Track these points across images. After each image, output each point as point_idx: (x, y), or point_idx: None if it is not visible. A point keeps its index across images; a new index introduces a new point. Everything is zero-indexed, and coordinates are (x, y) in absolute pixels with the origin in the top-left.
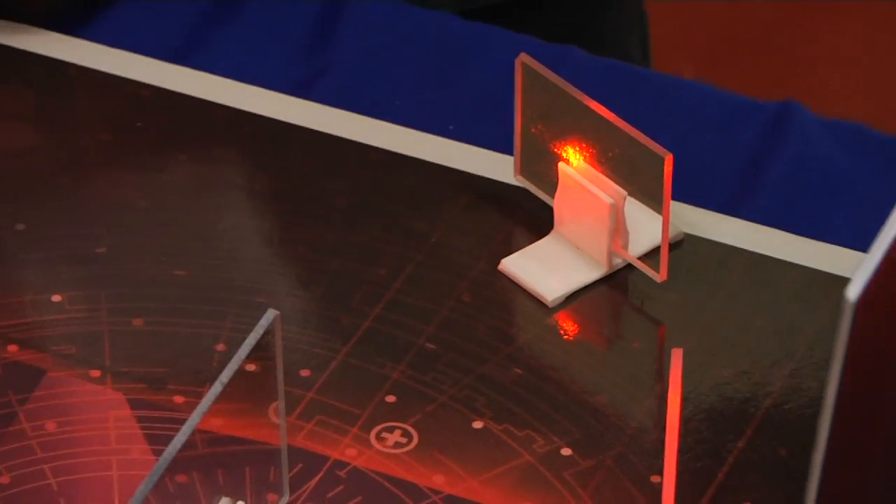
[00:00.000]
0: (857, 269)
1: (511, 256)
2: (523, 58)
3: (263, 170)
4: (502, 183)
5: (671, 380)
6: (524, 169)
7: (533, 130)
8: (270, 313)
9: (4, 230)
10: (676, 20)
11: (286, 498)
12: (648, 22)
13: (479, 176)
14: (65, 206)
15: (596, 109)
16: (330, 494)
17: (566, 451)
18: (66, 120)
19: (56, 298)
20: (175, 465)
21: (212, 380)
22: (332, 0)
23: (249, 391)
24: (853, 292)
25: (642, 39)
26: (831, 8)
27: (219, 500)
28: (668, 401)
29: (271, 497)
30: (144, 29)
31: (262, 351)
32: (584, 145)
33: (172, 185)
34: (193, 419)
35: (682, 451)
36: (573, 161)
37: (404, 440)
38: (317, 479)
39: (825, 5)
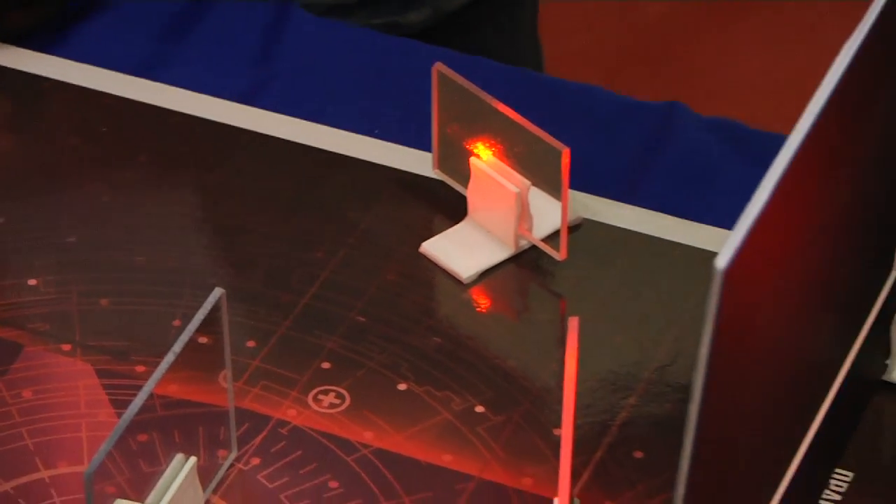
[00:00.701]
0: (724, 244)
1: (431, 240)
2: (439, 66)
3: (214, 168)
4: (422, 176)
5: (568, 345)
6: (441, 164)
7: (448, 130)
8: (217, 291)
9: None
10: (577, 39)
11: (234, 453)
12: (542, 53)
13: (402, 170)
14: (39, 202)
15: (502, 111)
16: (273, 450)
17: (479, 409)
18: (40, 127)
19: (32, 282)
20: (136, 426)
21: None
22: (274, 21)
23: (202, 360)
24: (721, 263)
25: (537, 66)
26: (715, 25)
27: (174, 456)
28: (566, 363)
29: (221, 453)
30: (109, 46)
31: (212, 325)
32: (492, 142)
33: (133, 183)
34: (149, 384)
35: (580, 407)
36: (483, 156)
37: (338, 401)
38: (261, 436)
39: (709, 24)
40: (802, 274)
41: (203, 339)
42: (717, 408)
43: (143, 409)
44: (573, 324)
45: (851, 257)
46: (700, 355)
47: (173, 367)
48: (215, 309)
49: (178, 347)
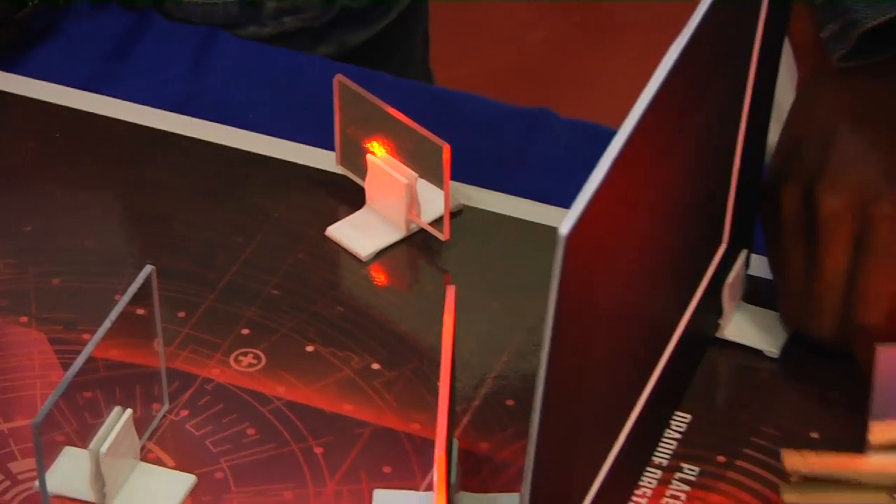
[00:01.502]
0: (567, 214)
1: (334, 225)
2: (339, 77)
3: (150, 167)
4: (327, 171)
5: (446, 308)
6: (343, 160)
7: (348, 131)
8: (147, 268)
9: None
10: (466, 66)
11: (166, 406)
12: (434, 79)
13: (310, 167)
14: (0, 198)
15: (393, 114)
16: (199, 403)
17: (376, 366)
18: (2, 135)
19: None
20: (83, 385)
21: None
22: (203, 43)
23: (139, 329)
24: (563, 230)
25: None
26: (587, 47)
27: (114, 409)
28: (443, 324)
29: (155, 406)
30: (61, 65)
31: (146, 299)
32: (385, 141)
33: (81, 180)
34: (88, 348)
35: (461, 364)
36: (378, 153)
37: (255, 361)
38: (190, 392)
39: (583, 46)
40: (640, 242)
41: (140, 311)
42: (564, 360)
43: (88, 370)
44: (450, 292)
45: (686, 230)
46: (548, 312)
47: (114, 333)
48: (146, 284)
49: (113, 316)
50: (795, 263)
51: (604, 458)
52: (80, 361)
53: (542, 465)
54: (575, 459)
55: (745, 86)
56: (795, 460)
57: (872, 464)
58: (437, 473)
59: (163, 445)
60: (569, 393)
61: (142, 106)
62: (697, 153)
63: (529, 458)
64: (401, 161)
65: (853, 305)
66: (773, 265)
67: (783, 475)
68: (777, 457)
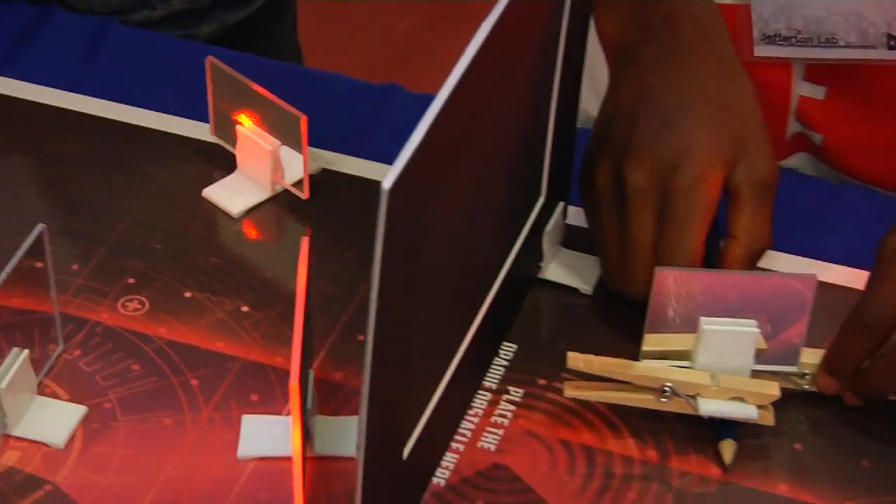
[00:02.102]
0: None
1: (210, 186)
2: (211, 59)
3: (50, 140)
4: (204, 140)
5: (300, 257)
6: (217, 130)
7: (220, 105)
8: (39, 227)
9: None
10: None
11: (61, 347)
12: (303, 58)
13: (188, 136)
14: None
15: (258, 90)
16: (90, 343)
17: (245, 308)
18: None
19: None
20: None
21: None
22: (99, 30)
23: (36, 280)
24: (386, 184)
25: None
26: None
27: (12, 350)
28: (298, 270)
29: (51, 347)
30: None
31: (42, 254)
32: (252, 113)
33: None
34: None
35: (319, 304)
36: (245, 124)
37: (140, 306)
38: (82, 334)
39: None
40: (462, 194)
41: (38, 265)
42: (392, 299)
43: None
44: (304, 243)
45: (506, 185)
46: (374, 256)
47: (13, 284)
48: (39, 241)
49: (8, 269)
50: (611, 232)
51: (437, 383)
52: None
53: (377, 391)
54: (408, 385)
55: (555, 59)
56: (577, 360)
57: (642, 368)
58: (292, 400)
59: (58, 381)
60: (398, 328)
61: (41, 86)
62: (513, 117)
63: (365, 384)
64: (265, 131)
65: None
66: (594, 234)
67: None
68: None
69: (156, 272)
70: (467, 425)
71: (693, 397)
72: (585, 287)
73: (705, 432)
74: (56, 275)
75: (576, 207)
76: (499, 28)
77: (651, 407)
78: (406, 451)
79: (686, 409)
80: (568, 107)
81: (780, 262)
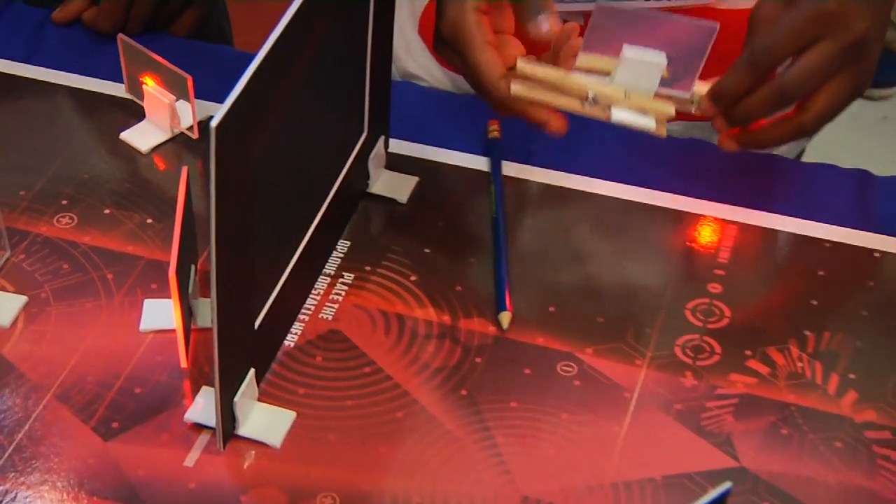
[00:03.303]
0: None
1: (126, 131)
2: (121, 37)
3: (5, 100)
4: (121, 97)
5: (181, 182)
6: (130, 89)
7: (130, 70)
8: None
9: None
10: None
11: (9, 252)
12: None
13: (110, 94)
14: None
15: (156, 58)
16: (32, 250)
17: (149, 220)
18: None
19: None
20: None
21: None
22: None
23: None
24: (213, 122)
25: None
26: None
27: None
28: (178, 192)
29: (1, 253)
30: None
31: None
32: (154, 76)
33: None
34: None
35: (203, 216)
36: (150, 84)
37: (70, 221)
38: (25, 243)
39: None
40: (289, 130)
41: None
42: (229, 210)
43: None
44: (184, 170)
45: (331, 122)
46: (209, 178)
47: None
48: None
49: None
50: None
51: (281, 271)
52: None
53: (223, 276)
54: (253, 272)
55: (367, 23)
56: (524, 67)
57: (574, 79)
58: (171, 286)
59: (7, 278)
60: (237, 231)
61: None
62: (332, 69)
63: (213, 272)
64: (164, 89)
65: None
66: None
67: (405, 276)
68: (404, 267)
69: (83, 195)
70: (311, 302)
71: (608, 107)
72: (402, 198)
73: (488, 305)
74: (7, 199)
75: (395, 140)
76: None
77: (576, 110)
78: (257, 323)
79: (601, 116)
80: (382, 62)
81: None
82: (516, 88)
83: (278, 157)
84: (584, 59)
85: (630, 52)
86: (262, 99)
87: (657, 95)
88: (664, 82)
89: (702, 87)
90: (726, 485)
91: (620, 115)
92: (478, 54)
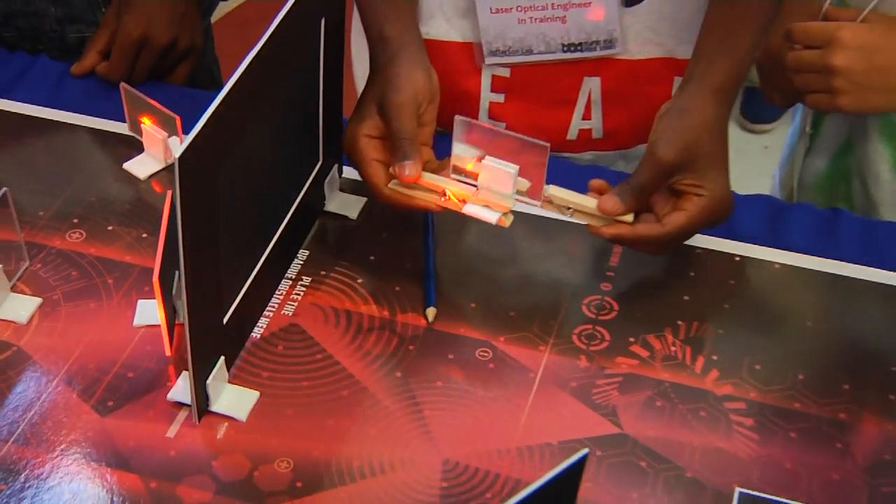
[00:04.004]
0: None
1: (128, 161)
2: (124, 85)
3: (31, 138)
4: (125, 134)
5: (165, 204)
6: (131, 127)
7: (133, 112)
8: (4, 189)
9: None
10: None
11: (27, 262)
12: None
13: (113, 132)
14: None
15: (153, 103)
16: (47, 260)
17: (144, 235)
18: None
19: None
20: None
21: None
22: (65, 69)
23: (9, 222)
24: (176, 153)
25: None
26: None
27: None
28: (163, 212)
29: (22, 263)
30: None
31: (8, 208)
32: (150, 117)
33: None
34: None
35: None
36: (147, 123)
37: (80, 236)
38: (42, 254)
39: None
40: (249, 158)
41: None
42: (196, 227)
43: None
44: (168, 195)
45: (288, 151)
46: (175, 201)
47: None
48: (4, 198)
49: None
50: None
51: (246, 276)
52: None
53: (194, 280)
54: (220, 277)
55: (318, 66)
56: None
57: (434, 178)
58: (155, 289)
59: (25, 284)
60: (204, 244)
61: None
62: (287, 108)
63: (184, 278)
64: (159, 127)
65: None
66: None
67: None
68: (353, 271)
69: (90, 215)
70: (275, 301)
71: (462, 202)
72: (353, 215)
73: (420, 302)
74: (28, 218)
75: (347, 167)
76: (270, 41)
77: (434, 203)
78: (225, 319)
79: (456, 208)
80: (334, 102)
81: None
82: (391, 189)
83: (240, 182)
84: (454, 163)
85: (488, 161)
86: (222, 133)
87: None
88: (520, 192)
89: (558, 192)
90: (583, 451)
91: (470, 209)
92: (365, 167)
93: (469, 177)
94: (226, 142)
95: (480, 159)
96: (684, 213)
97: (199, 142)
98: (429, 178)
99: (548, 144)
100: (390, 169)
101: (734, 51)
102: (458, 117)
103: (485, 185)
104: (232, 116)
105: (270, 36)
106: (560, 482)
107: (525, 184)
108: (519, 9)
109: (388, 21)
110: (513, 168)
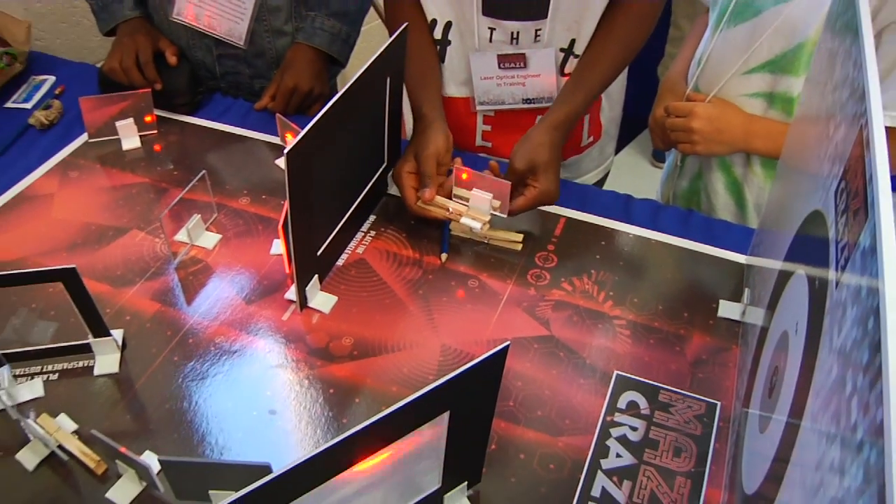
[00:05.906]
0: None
1: (278, 160)
2: (278, 116)
3: (199, 148)
4: (276, 143)
5: (286, 177)
6: (282, 139)
7: (283, 131)
8: (202, 172)
9: None
10: None
11: (216, 213)
12: None
13: (268, 141)
14: None
15: (293, 125)
16: (227, 213)
17: (282, 202)
18: None
19: None
20: None
21: None
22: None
23: (205, 190)
24: (287, 149)
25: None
26: None
27: (192, 215)
28: (287, 187)
29: (212, 214)
30: None
31: (204, 179)
32: (293, 134)
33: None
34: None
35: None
36: (289, 138)
37: (247, 201)
38: (223, 210)
39: None
40: (337, 157)
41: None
42: (299, 196)
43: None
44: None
45: (363, 153)
46: (287, 182)
47: (193, 191)
48: (203, 177)
49: (195, 181)
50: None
51: (333, 227)
52: None
53: (297, 231)
54: (315, 228)
55: (385, 96)
56: (420, 203)
57: (442, 201)
58: (280, 233)
59: (214, 227)
60: (304, 207)
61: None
62: (364, 123)
63: (290, 228)
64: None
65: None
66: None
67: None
68: (400, 230)
69: (252, 188)
70: (353, 244)
71: (459, 214)
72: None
73: (437, 249)
74: (218, 188)
75: None
76: (351, 89)
77: (443, 215)
78: (318, 253)
79: (455, 218)
80: (395, 119)
81: None
82: (418, 206)
83: (329, 170)
84: (456, 191)
85: (475, 192)
86: (316, 140)
87: (493, 217)
88: (494, 212)
89: (469, 219)
90: (507, 343)
91: (465, 220)
92: (404, 191)
93: (463, 199)
94: (318, 145)
95: (470, 189)
96: (523, 198)
97: (300, 144)
98: (440, 200)
99: (509, 183)
100: (418, 193)
101: (571, 102)
102: (455, 167)
103: (473, 205)
104: (323, 129)
105: (350, 86)
106: (494, 359)
107: (497, 203)
108: (497, 77)
109: (425, 104)
110: (488, 195)
